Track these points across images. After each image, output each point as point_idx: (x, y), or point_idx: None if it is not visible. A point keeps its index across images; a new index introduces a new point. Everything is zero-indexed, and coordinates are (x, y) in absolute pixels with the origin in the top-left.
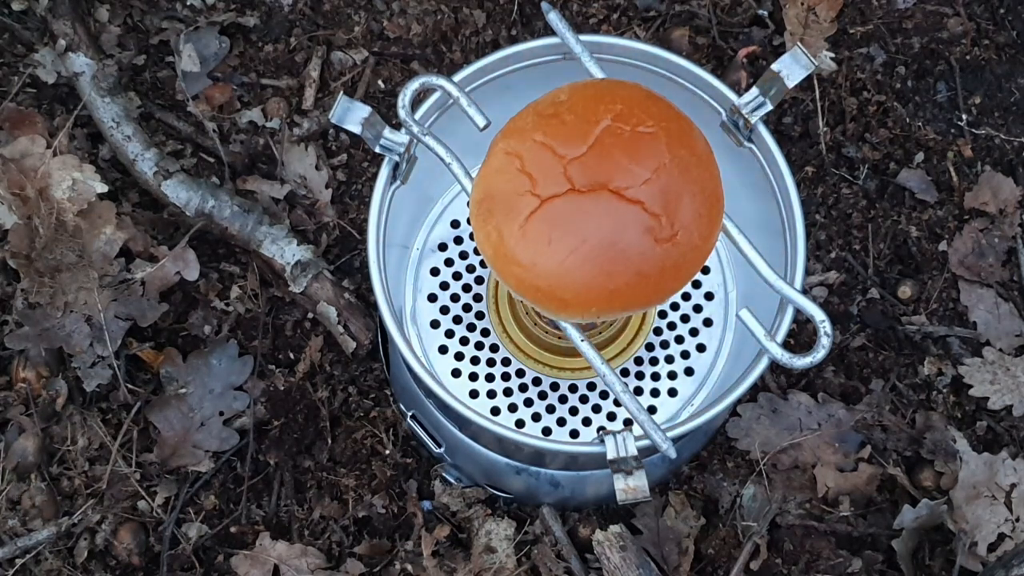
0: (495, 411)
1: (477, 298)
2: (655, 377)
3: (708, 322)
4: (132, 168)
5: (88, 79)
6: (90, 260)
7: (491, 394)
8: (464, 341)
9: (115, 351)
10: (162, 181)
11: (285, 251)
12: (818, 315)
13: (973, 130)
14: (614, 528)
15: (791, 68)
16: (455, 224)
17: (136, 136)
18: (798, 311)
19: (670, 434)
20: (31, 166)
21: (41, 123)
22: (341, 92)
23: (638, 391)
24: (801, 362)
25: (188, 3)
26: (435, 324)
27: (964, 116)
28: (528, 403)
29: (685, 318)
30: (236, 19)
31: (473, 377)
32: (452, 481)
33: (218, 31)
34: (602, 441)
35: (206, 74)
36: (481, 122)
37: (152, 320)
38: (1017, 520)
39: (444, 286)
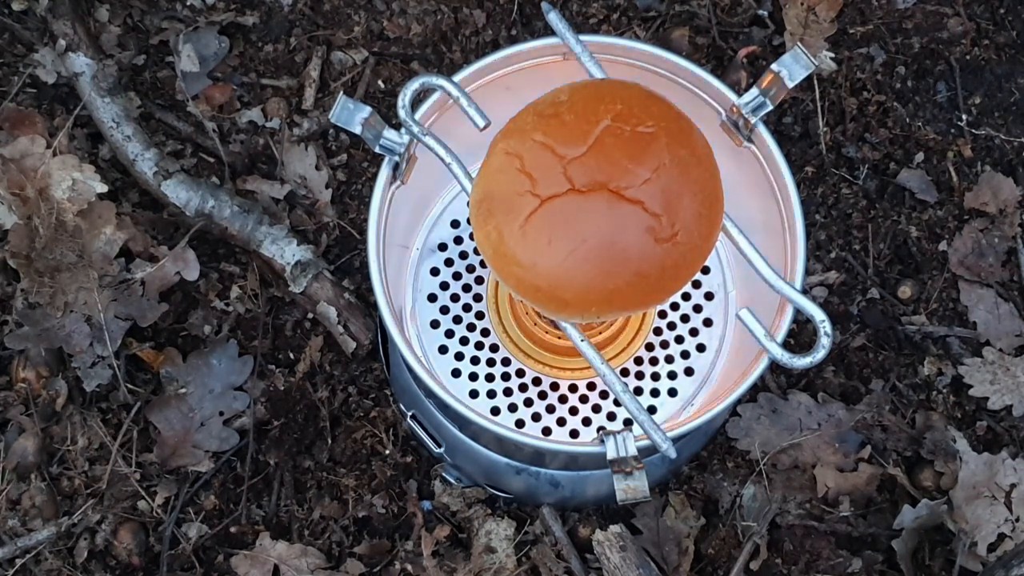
0: (495, 411)
1: (477, 298)
2: (655, 377)
3: (708, 322)
4: (132, 168)
5: (88, 79)
6: (90, 260)
7: (491, 394)
8: (464, 341)
9: (115, 351)
10: (162, 181)
11: (285, 251)
12: (818, 315)
13: (973, 130)
14: (614, 528)
15: (791, 68)
16: (455, 224)
17: (136, 136)
18: (798, 311)
19: (670, 434)
20: (31, 166)
21: (41, 123)
22: (341, 92)
23: (638, 391)
24: (801, 362)
25: (188, 3)
26: (435, 324)
27: (964, 116)
28: (528, 403)
29: (685, 318)
30: (236, 19)
31: (473, 377)
32: (452, 481)
33: (217, 31)
34: (602, 441)
35: (206, 74)
36: (481, 122)
37: (152, 320)
38: (1017, 520)
39: (444, 286)
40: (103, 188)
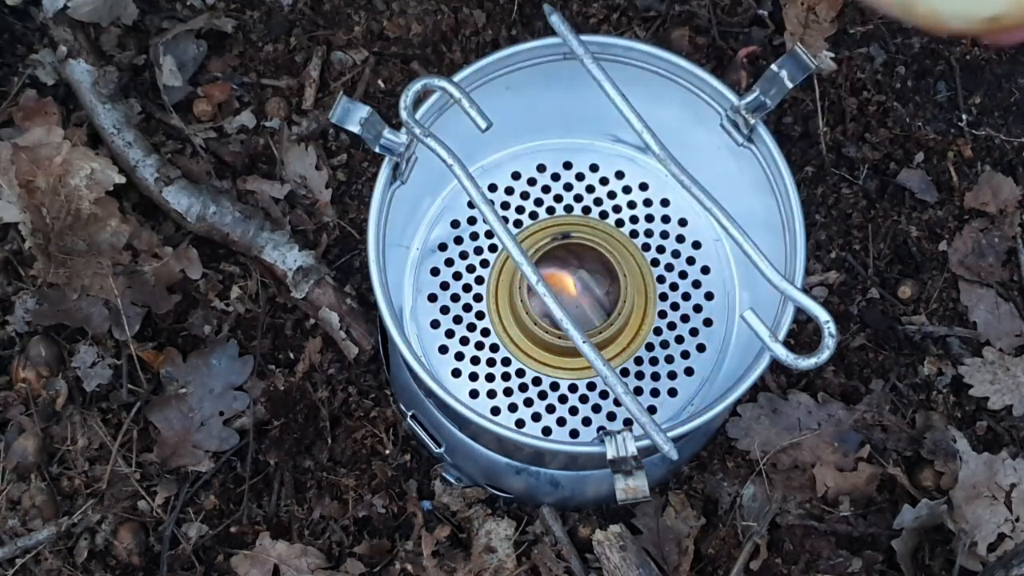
0: (495, 411)
1: (477, 298)
2: (655, 377)
3: (708, 322)
4: (133, 174)
5: (88, 86)
6: (98, 249)
7: (491, 394)
8: (464, 341)
9: (133, 335)
10: (163, 187)
11: (287, 257)
12: (823, 315)
13: (973, 130)
14: (614, 528)
15: (791, 68)
16: (455, 224)
17: (137, 143)
18: (799, 311)
19: (670, 434)
20: (45, 156)
21: (57, 113)
22: (341, 92)
23: (638, 391)
24: (806, 363)
25: (188, 3)
26: (435, 324)
27: (964, 116)
28: (528, 403)
29: (685, 318)
30: (227, 20)
31: (473, 377)
32: (452, 481)
33: (209, 32)
34: (602, 441)
35: (187, 81)
36: (483, 124)
37: (166, 309)
38: (1017, 520)
39: (444, 286)
40: (121, 179)
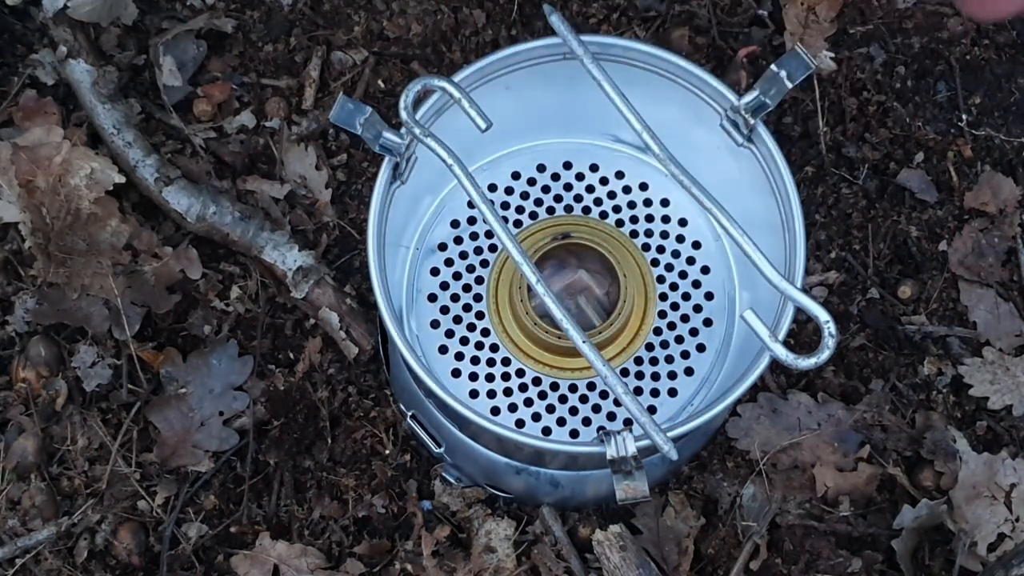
0: (495, 411)
1: (477, 298)
2: (655, 377)
3: (708, 322)
4: (133, 174)
5: (88, 86)
6: (98, 249)
7: (491, 394)
8: (464, 341)
9: (133, 335)
10: (163, 188)
11: (287, 257)
12: (823, 316)
13: (973, 130)
14: (614, 528)
15: (791, 68)
16: (455, 224)
17: (137, 143)
18: (799, 311)
19: (670, 434)
20: (45, 155)
21: (57, 112)
22: (341, 92)
23: (638, 391)
24: (806, 363)
25: (188, 3)
26: (435, 324)
27: (964, 116)
28: (528, 403)
29: (685, 318)
30: (227, 20)
31: (473, 377)
32: (452, 481)
33: (209, 32)
34: (602, 441)
35: (186, 81)
36: (483, 124)
37: (166, 308)
38: (1017, 520)
39: (444, 286)
40: (120, 179)
